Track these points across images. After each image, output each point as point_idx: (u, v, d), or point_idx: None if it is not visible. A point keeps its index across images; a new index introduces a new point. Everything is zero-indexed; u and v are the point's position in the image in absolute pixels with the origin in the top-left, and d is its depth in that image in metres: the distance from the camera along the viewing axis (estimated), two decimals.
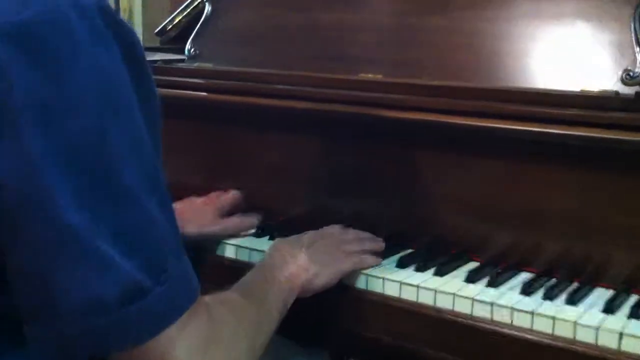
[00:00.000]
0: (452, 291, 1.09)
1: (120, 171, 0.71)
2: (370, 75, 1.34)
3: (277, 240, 1.20)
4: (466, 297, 1.07)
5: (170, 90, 1.42)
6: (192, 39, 1.58)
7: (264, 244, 1.27)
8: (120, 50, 0.72)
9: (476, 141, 1.19)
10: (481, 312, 1.05)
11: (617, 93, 1.11)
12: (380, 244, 1.25)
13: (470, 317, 1.06)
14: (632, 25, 1.17)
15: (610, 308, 1.03)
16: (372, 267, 1.18)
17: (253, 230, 1.33)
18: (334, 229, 1.25)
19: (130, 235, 0.71)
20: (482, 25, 1.29)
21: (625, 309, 1.04)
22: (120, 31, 0.73)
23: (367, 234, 1.27)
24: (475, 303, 1.06)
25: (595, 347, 0.97)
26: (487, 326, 1.04)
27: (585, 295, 1.08)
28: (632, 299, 1.07)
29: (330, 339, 1.22)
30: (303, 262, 1.11)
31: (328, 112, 1.29)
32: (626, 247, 1.09)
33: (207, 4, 1.59)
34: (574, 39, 1.22)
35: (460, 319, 1.06)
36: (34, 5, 0.68)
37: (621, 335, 0.96)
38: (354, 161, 1.32)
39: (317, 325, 1.18)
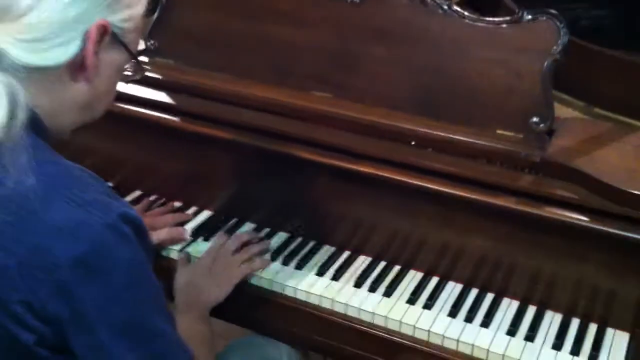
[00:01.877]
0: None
1: (154, 322, 1.01)
2: (320, 94, 1.53)
3: (181, 277, 1.44)
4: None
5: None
6: (150, 31, 1.67)
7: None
8: (141, 243, 0.97)
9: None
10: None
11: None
12: (265, 245, 1.51)
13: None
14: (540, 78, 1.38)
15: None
16: (261, 269, 1.46)
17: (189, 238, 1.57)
18: (221, 242, 1.50)
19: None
20: (418, 58, 1.47)
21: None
22: (140, 231, 0.97)
23: (252, 236, 1.53)
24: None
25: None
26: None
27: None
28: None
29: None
30: (205, 288, 1.41)
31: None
32: None
33: None
34: (492, 85, 1.43)
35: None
36: (85, 241, 0.90)
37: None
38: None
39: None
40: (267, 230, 1.59)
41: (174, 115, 1.58)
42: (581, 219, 1.28)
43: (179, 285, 1.43)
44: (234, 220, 1.62)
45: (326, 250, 1.53)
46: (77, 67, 0.97)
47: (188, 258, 1.51)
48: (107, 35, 0.98)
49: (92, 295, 0.93)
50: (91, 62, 0.98)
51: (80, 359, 0.96)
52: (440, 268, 1.46)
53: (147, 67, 1.62)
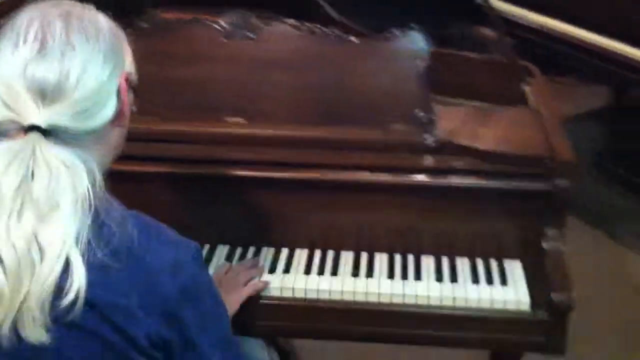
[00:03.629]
0: None
1: (230, 331, 1.22)
2: (234, 119, 1.76)
3: None
4: None
5: None
6: None
7: None
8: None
9: None
10: None
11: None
12: (260, 268, 1.71)
13: None
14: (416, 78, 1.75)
15: None
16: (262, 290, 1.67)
17: None
18: (225, 268, 1.69)
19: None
20: (314, 78, 1.77)
21: None
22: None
23: (250, 263, 1.72)
24: None
25: None
26: None
27: None
28: None
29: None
30: None
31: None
32: None
33: None
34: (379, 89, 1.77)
35: None
36: (182, 275, 1.10)
37: None
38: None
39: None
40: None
41: None
42: (478, 182, 1.67)
43: None
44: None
45: (266, 251, 1.77)
46: (116, 117, 1.12)
47: None
48: (128, 83, 1.15)
49: (193, 317, 1.12)
50: (127, 110, 1.15)
51: None
52: (370, 244, 1.77)
53: None
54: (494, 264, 1.74)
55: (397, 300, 1.65)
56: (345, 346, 2.37)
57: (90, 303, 1.01)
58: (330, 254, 1.76)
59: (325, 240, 1.77)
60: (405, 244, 1.76)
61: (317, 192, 1.72)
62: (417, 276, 1.70)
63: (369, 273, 1.71)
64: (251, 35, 1.77)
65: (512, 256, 1.75)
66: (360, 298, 1.66)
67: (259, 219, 1.76)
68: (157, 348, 1.09)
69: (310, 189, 1.72)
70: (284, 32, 1.78)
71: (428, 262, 1.75)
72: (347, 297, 1.66)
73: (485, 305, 1.65)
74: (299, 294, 1.67)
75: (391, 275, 1.70)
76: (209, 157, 1.72)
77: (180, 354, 1.11)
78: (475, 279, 1.69)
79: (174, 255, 1.10)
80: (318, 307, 1.66)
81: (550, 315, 1.62)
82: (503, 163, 1.67)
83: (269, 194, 1.72)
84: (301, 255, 1.76)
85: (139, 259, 1.06)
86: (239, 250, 1.77)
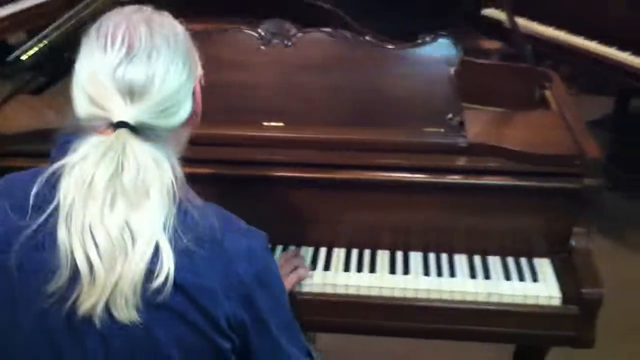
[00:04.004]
0: None
1: (290, 312, 1.29)
2: (273, 123, 1.82)
3: None
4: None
5: None
6: None
7: None
8: None
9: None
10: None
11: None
12: (301, 257, 1.78)
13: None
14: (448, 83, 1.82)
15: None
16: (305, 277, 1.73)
17: None
18: (281, 259, 1.75)
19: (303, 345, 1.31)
20: (350, 83, 1.83)
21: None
22: None
23: (291, 253, 1.79)
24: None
25: None
26: None
27: None
28: None
29: None
30: None
31: None
32: None
33: None
34: (412, 93, 1.84)
35: None
36: (256, 261, 1.17)
37: None
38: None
39: None
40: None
41: None
42: (509, 181, 1.74)
43: None
44: None
45: (305, 250, 1.82)
46: (191, 117, 1.20)
47: None
48: (200, 85, 1.23)
49: (265, 302, 1.18)
50: (199, 110, 1.22)
51: (259, 354, 1.20)
52: (405, 243, 1.83)
53: None
54: (524, 261, 1.81)
55: (434, 295, 1.71)
56: (369, 350, 2.44)
57: (178, 285, 1.07)
58: (367, 253, 1.82)
59: (362, 239, 1.83)
60: (439, 243, 1.82)
61: (353, 192, 1.78)
62: (452, 273, 1.76)
63: (405, 270, 1.77)
64: (287, 42, 1.84)
65: (541, 254, 1.82)
66: (398, 294, 1.72)
67: (298, 219, 1.81)
68: (233, 329, 1.15)
69: (347, 189, 1.78)
70: (319, 38, 1.85)
71: (461, 260, 1.81)
72: (386, 293, 1.72)
73: (519, 300, 1.71)
74: (341, 290, 1.72)
75: (427, 272, 1.76)
76: (250, 159, 1.77)
77: (256, 335, 1.18)
78: (508, 276, 1.76)
79: (249, 243, 1.17)
80: (359, 302, 1.72)
81: (580, 310, 1.68)
82: (533, 163, 1.74)
83: (308, 195, 1.78)
84: (339, 253, 1.82)
85: (219, 246, 1.13)
86: (279, 248, 1.83)
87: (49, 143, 1.67)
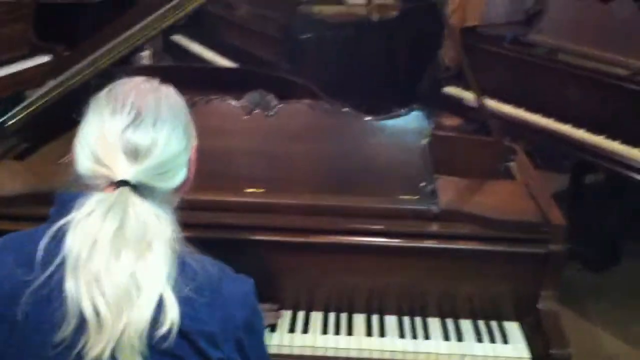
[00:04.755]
0: None
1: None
2: (254, 190, 1.89)
3: None
4: None
5: None
6: None
7: None
8: None
9: None
10: None
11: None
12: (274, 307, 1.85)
13: None
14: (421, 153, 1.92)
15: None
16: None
17: None
18: None
19: None
20: (328, 152, 1.92)
21: None
22: None
23: (267, 306, 1.83)
24: None
25: None
26: None
27: None
28: None
29: None
30: None
31: None
32: None
33: None
34: (387, 162, 1.93)
35: None
36: (249, 306, 1.25)
37: None
38: None
39: None
40: None
41: None
42: (480, 246, 1.82)
43: None
44: None
45: (284, 314, 1.87)
46: (183, 184, 1.27)
47: None
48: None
49: (253, 343, 1.24)
50: (191, 179, 1.30)
51: None
52: (380, 306, 1.89)
53: None
54: (494, 324, 1.88)
55: (409, 357, 1.77)
56: None
57: (181, 332, 1.12)
58: (344, 316, 1.88)
59: (340, 303, 1.89)
60: (413, 306, 1.89)
61: (331, 256, 1.85)
62: (426, 336, 1.83)
63: (382, 333, 1.82)
64: (269, 112, 1.93)
65: (510, 318, 1.89)
66: (376, 355, 1.77)
67: (275, 282, 1.86)
68: None
69: (325, 253, 1.85)
70: (299, 109, 1.95)
71: (434, 323, 1.88)
72: (365, 355, 1.77)
73: None
74: (320, 352, 1.77)
75: (402, 335, 1.82)
76: (230, 223, 1.83)
77: None
78: (479, 338, 1.83)
79: (242, 289, 1.25)
80: None
81: None
82: (502, 229, 1.83)
83: (287, 259, 1.84)
84: (317, 316, 1.87)
85: (218, 293, 1.20)
86: None
87: (33, 207, 1.74)
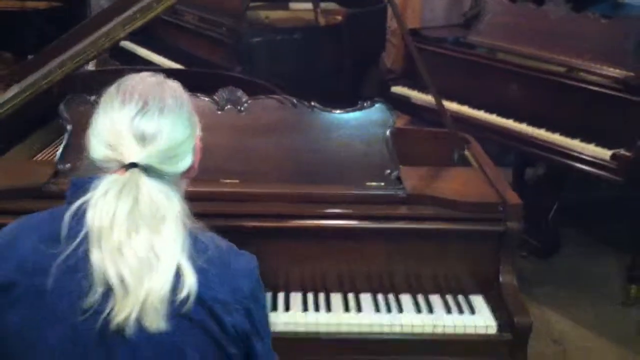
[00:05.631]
0: None
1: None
2: (229, 181, 1.99)
3: None
4: None
5: None
6: (61, 155, 1.97)
7: None
8: None
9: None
10: None
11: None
12: None
13: None
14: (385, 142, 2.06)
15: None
16: None
17: None
18: None
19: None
20: (298, 144, 2.04)
21: None
22: None
23: None
24: None
25: None
26: None
27: None
28: None
29: None
30: None
31: None
32: None
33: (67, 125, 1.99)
34: (354, 152, 2.06)
35: None
36: (254, 278, 1.36)
37: None
38: None
39: None
40: None
41: None
42: (445, 226, 1.97)
43: None
44: None
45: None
46: (189, 169, 1.38)
47: None
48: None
49: (259, 313, 1.35)
50: (197, 166, 1.40)
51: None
52: (355, 286, 2.01)
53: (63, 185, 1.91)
54: (461, 297, 2.02)
55: (386, 329, 1.89)
56: None
57: (198, 298, 1.23)
58: (322, 295, 1.99)
59: (316, 283, 2.00)
60: (385, 284, 2.02)
61: (306, 240, 1.96)
62: (400, 310, 1.95)
63: (358, 309, 1.94)
64: (240, 108, 2.04)
65: (476, 292, 2.04)
66: (355, 329, 1.89)
67: None
68: (238, 337, 1.30)
69: (299, 238, 1.96)
70: (269, 104, 2.06)
71: (406, 298, 2.01)
72: (344, 329, 1.89)
73: (460, 330, 1.92)
74: (301, 329, 1.88)
75: (377, 310, 1.95)
76: (208, 211, 1.91)
77: (256, 342, 1.34)
78: (449, 310, 1.97)
79: (247, 263, 1.36)
80: (318, 339, 1.88)
81: (513, 336, 1.91)
82: (464, 210, 1.98)
83: (262, 243, 1.92)
84: (296, 297, 1.98)
85: (227, 266, 1.31)
86: None
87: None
